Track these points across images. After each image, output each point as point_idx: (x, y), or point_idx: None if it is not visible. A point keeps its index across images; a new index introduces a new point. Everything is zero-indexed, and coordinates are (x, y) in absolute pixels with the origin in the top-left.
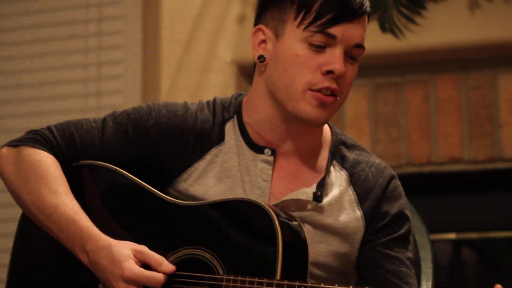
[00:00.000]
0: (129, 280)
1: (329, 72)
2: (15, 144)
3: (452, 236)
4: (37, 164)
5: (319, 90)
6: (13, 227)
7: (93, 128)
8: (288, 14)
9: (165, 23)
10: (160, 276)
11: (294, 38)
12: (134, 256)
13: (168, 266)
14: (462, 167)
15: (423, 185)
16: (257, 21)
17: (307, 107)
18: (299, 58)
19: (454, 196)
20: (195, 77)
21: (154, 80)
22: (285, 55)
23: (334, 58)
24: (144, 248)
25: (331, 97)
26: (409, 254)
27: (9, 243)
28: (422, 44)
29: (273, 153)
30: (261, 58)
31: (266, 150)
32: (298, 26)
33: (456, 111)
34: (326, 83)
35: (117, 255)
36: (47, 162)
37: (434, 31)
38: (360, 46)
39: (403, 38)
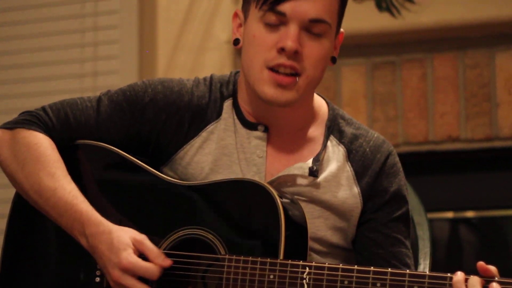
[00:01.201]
0: (125, 269)
1: (283, 49)
2: (10, 126)
3: (449, 215)
4: (34, 147)
5: (276, 69)
6: (4, 209)
7: (88, 107)
8: None
9: (161, 3)
10: (156, 269)
11: (253, 19)
12: (133, 245)
13: (165, 260)
14: (459, 146)
15: (421, 164)
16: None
17: (265, 88)
18: (256, 38)
19: (451, 175)
20: (192, 57)
21: (151, 60)
22: (246, 37)
23: (286, 35)
24: (144, 239)
25: (289, 78)
26: (408, 234)
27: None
28: (419, 23)
29: (267, 129)
30: (236, 41)
31: (259, 127)
32: (255, 7)
33: (453, 90)
34: (281, 59)
35: (116, 243)
36: (43, 145)
37: (431, 9)
38: (317, 20)
39: (400, 17)
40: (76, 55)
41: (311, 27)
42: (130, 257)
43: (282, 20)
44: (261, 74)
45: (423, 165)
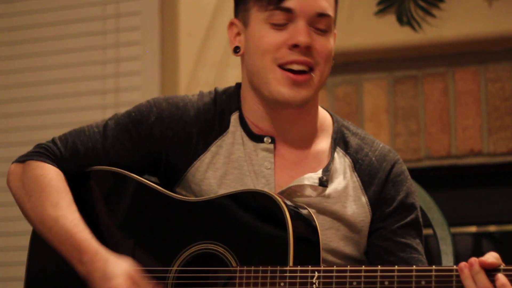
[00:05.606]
0: None
1: (295, 46)
2: (22, 160)
3: (472, 229)
4: (40, 179)
5: (290, 68)
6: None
7: (95, 133)
8: (250, 1)
9: (182, 18)
10: None
11: (258, 22)
12: (127, 275)
13: None
14: (481, 160)
15: (443, 179)
16: (234, 16)
17: (281, 88)
18: (263, 38)
19: (474, 189)
20: (214, 72)
21: (173, 76)
22: (252, 40)
23: (297, 31)
24: (137, 271)
25: (303, 75)
26: (420, 240)
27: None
28: (440, 37)
29: (273, 141)
30: (237, 49)
31: (265, 139)
32: (259, 9)
33: (475, 104)
34: (293, 56)
35: (110, 271)
36: (49, 175)
37: (452, 23)
38: (324, 15)
39: (421, 31)
40: (98, 72)
41: (316, 22)
42: (120, 286)
43: (290, 17)
44: (274, 73)
45: (446, 179)
